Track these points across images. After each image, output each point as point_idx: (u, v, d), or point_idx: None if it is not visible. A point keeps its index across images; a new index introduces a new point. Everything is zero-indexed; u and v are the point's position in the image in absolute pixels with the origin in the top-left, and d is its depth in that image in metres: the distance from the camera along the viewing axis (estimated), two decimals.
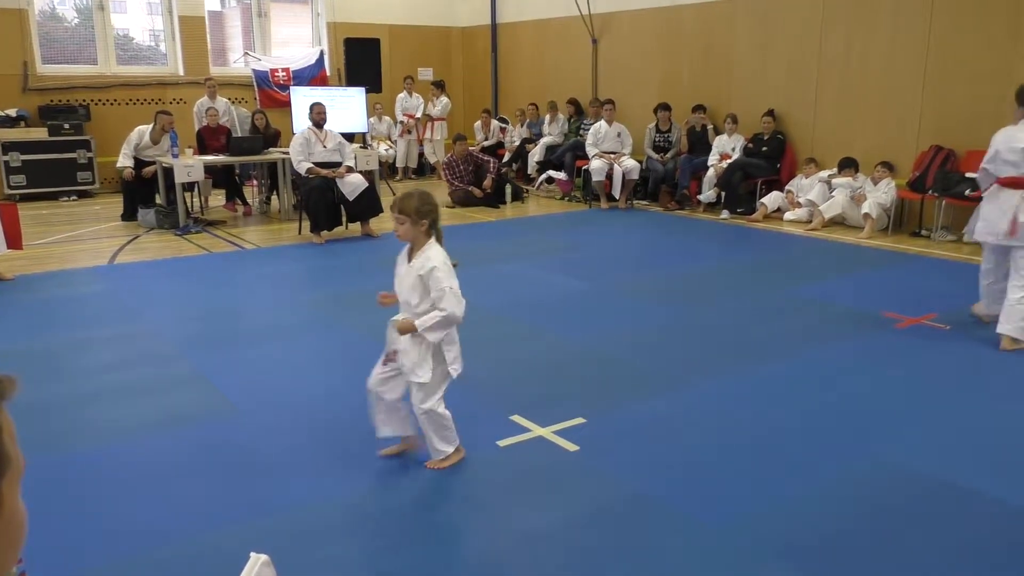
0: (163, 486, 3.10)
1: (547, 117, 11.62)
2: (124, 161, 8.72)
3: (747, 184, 9.24)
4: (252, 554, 1.33)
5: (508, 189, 10.24)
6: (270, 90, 11.86)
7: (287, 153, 8.35)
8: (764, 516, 2.84)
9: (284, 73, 11.97)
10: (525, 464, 3.25)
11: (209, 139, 9.28)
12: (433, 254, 2.99)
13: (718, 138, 9.54)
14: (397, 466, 3.21)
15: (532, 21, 12.45)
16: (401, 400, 3.16)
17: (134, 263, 6.94)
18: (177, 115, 9.23)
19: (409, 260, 3.03)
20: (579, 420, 3.63)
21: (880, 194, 8.03)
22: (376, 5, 12.82)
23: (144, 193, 8.84)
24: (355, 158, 8.29)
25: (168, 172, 8.36)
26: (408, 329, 2.97)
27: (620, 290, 6.05)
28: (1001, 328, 4.61)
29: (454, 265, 3.05)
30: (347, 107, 9.76)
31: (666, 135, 10.10)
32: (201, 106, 9.98)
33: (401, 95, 12.21)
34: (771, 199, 8.93)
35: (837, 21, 8.65)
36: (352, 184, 7.75)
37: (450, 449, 3.18)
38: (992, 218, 4.63)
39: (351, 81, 10.36)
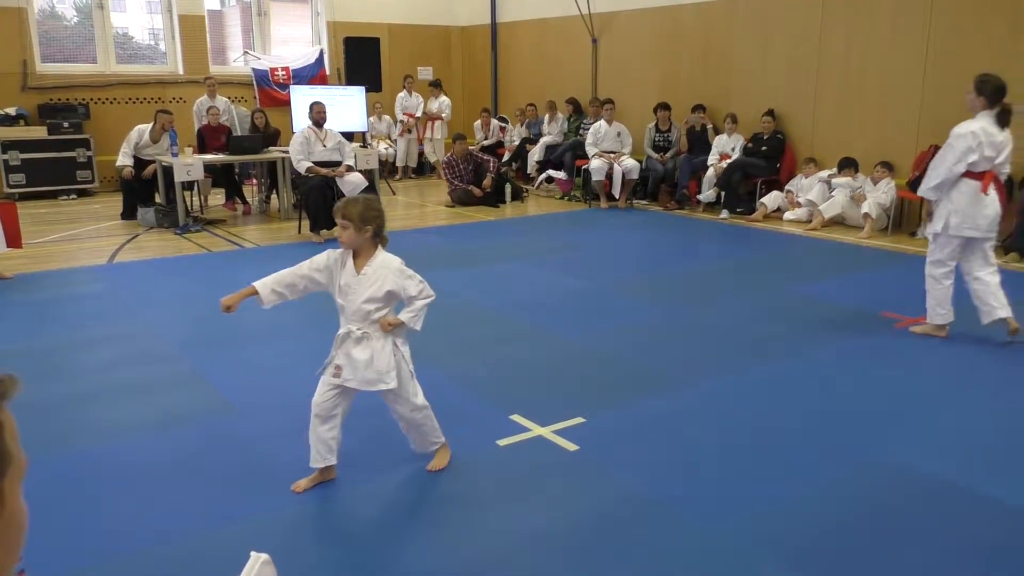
0: (163, 485, 3.09)
1: (546, 117, 11.62)
2: (124, 160, 8.72)
3: (747, 184, 9.24)
4: (252, 553, 1.33)
5: (508, 188, 10.24)
6: (270, 89, 11.86)
7: (287, 152, 8.35)
8: (764, 516, 2.84)
9: (284, 72, 11.97)
10: (525, 463, 3.25)
11: (210, 138, 9.27)
12: (388, 259, 2.95)
13: (718, 138, 9.54)
14: (396, 466, 3.21)
15: (532, 20, 12.45)
16: (342, 419, 3.04)
17: (133, 262, 6.94)
18: (177, 114, 9.24)
19: (357, 270, 2.93)
20: (579, 420, 3.63)
21: (880, 194, 8.03)
22: (376, 4, 12.81)
23: (143, 192, 8.84)
24: (355, 157, 8.29)
25: (168, 171, 8.35)
26: (396, 324, 2.94)
27: (620, 290, 6.05)
28: (1003, 313, 4.64)
29: None
30: (347, 106, 9.77)
31: (666, 135, 10.09)
32: (201, 105, 9.97)
33: (401, 94, 12.21)
34: (771, 199, 8.93)
35: (837, 21, 8.65)
36: (352, 183, 7.74)
37: (440, 440, 3.19)
38: (972, 212, 4.59)
39: (351, 80, 10.36)
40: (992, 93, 4.53)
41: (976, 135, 4.52)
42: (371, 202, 2.97)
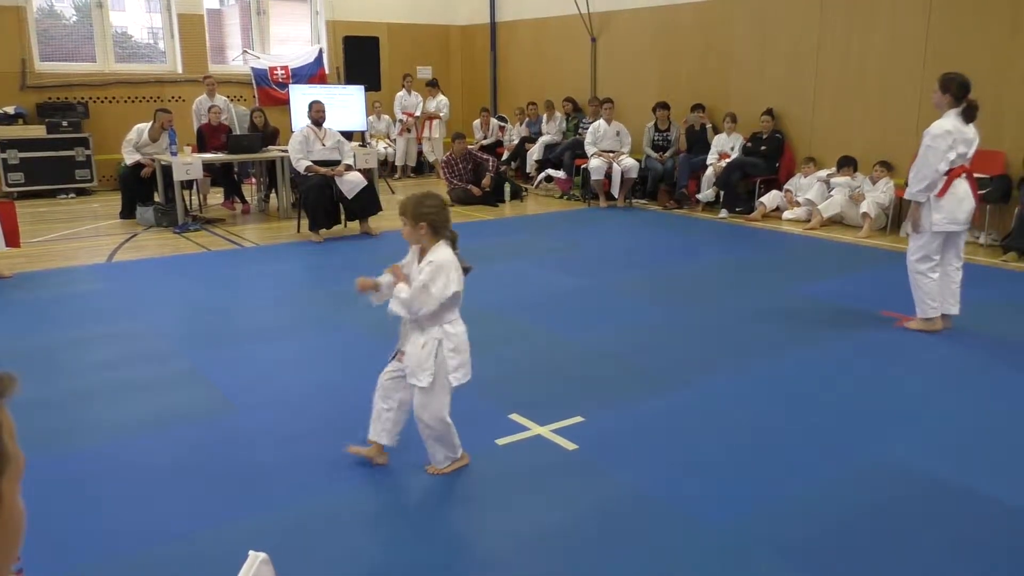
0: (162, 484, 3.09)
1: (544, 116, 11.62)
2: (132, 157, 8.71)
3: (746, 183, 9.23)
4: (251, 552, 1.33)
5: (507, 188, 10.23)
6: (269, 88, 11.84)
7: (286, 151, 8.34)
8: (764, 516, 2.84)
9: (283, 71, 11.95)
10: (524, 463, 3.25)
11: (209, 137, 9.27)
12: (443, 253, 2.92)
13: (717, 137, 9.54)
14: (397, 466, 3.20)
15: (531, 20, 12.45)
16: (404, 406, 3.09)
17: (133, 261, 6.93)
18: (176, 113, 9.22)
19: (419, 263, 2.96)
20: (578, 419, 3.63)
21: (878, 193, 8.03)
22: (375, 3, 12.80)
23: (142, 191, 8.83)
24: (354, 156, 8.29)
25: (167, 170, 8.34)
26: (369, 284, 2.98)
27: (619, 289, 6.05)
28: (953, 310, 4.88)
29: (466, 269, 2.97)
30: (346, 105, 9.75)
31: (665, 134, 10.09)
32: (201, 104, 9.96)
33: (400, 93, 12.20)
34: (770, 198, 8.92)
35: (836, 20, 8.65)
36: (351, 182, 7.74)
37: (454, 456, 3.13)
38: (951, 207, 4.73)
39: (350, 79, 10.35)
40: (958, 90, 4.67)
41: (951, 133, 4.66)
42: (425, 198, 2.93)
